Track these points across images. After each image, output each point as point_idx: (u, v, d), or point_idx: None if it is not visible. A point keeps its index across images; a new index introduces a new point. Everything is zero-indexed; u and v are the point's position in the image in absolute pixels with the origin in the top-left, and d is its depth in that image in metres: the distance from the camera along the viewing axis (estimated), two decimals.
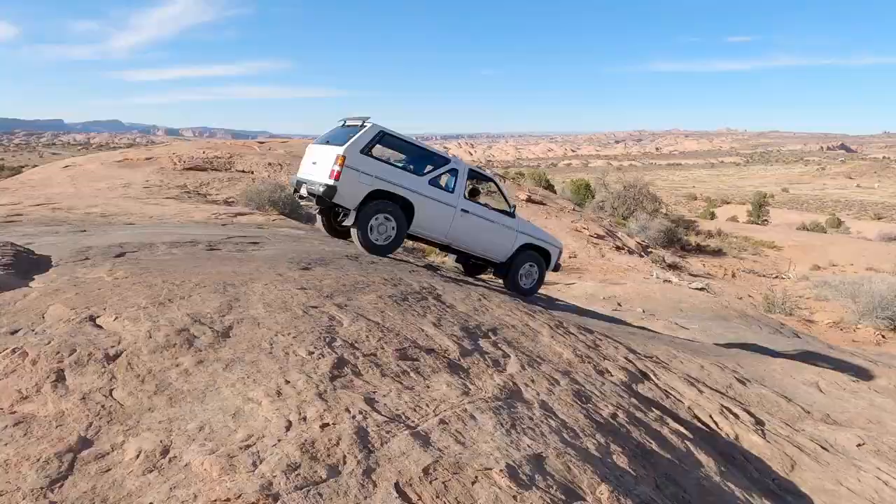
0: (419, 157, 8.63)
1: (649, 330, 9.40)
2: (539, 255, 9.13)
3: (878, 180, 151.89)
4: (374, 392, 2.58)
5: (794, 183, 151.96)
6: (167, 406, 2.08)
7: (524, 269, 8.98)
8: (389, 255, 7.81)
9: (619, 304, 15.93)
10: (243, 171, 23.43)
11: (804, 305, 23.45)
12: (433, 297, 5.11)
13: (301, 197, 7.79)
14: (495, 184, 8.97)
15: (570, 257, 23.05)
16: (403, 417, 2.37)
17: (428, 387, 2.85)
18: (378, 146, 7.91)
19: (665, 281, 20.61)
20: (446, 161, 8.38)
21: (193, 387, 2.23)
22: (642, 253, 27.00)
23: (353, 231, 7.47)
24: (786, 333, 15.04)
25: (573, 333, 5.52)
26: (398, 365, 3.04)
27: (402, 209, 7.66)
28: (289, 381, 2.44)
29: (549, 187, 43.86)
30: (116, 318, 2.78)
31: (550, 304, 9.59)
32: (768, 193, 78.58)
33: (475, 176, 8.73)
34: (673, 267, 25.46)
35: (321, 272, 4.93)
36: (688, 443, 3.57)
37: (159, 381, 2.25)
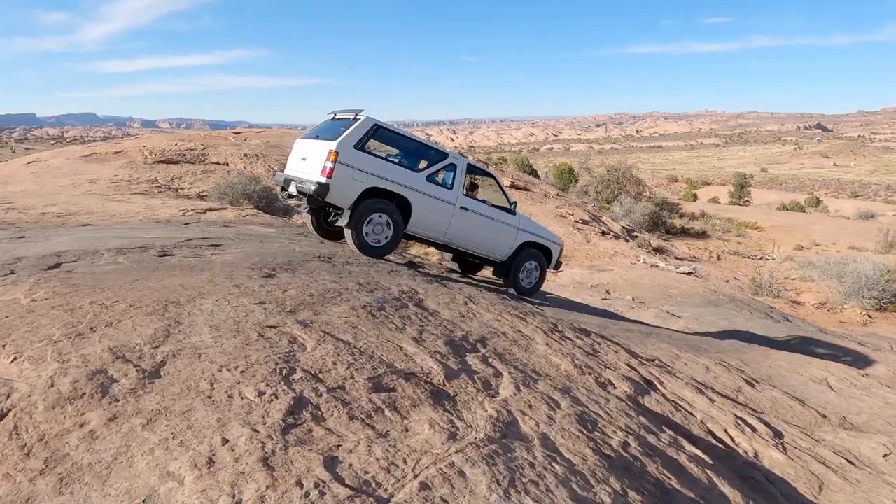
0: (415, 152, 8.08)
1: (644, 324, 8.98)
2: (540, 253, 8.66)
3: (854, 159, 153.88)
4: (337, 446, 2.06)
5: (773, 163, 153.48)
6: (53, 494, 1.54)
7: (525, 268, 8.49)
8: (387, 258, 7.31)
9: (608, 292, 15.56)
10: (218, 163, 22.60)
11: (790, 287, 23.34)
12: (414, 303, 4.58)
13: (290, 196, 7.24)
14: (495, 180, 8.45)
15: None
16: (374, 485, 1.85)
17: (406, 430, 2.34)
18: (372, 140, 7.38)
19: (652, 266, 20.30)
20: (444, 156, 7.86)
21: (97, 458, 1.70)
22: (628, 237, 26.69)
23: (348, 232, 6.97)
24: (776, 318, 14.77)
25: (569, 338, 5.04)
26: (371, 401, 2.52)
27: (399, 208, 7.19)
28: (227, 441, 1.91)
29: (533, 172, 43.39)
30: (15, 358, 2.22)
31: (540, 297, 9.12)
32: (748, 174, 78.92)
33: (474, 171, 8.18)
34: (659, 251, 25.19)
35: (286, 280, 4.38)
36: (708, 472, 3.11)
37: (52, 451, 1.71)
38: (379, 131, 7.25)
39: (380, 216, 6.97)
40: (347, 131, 6.89)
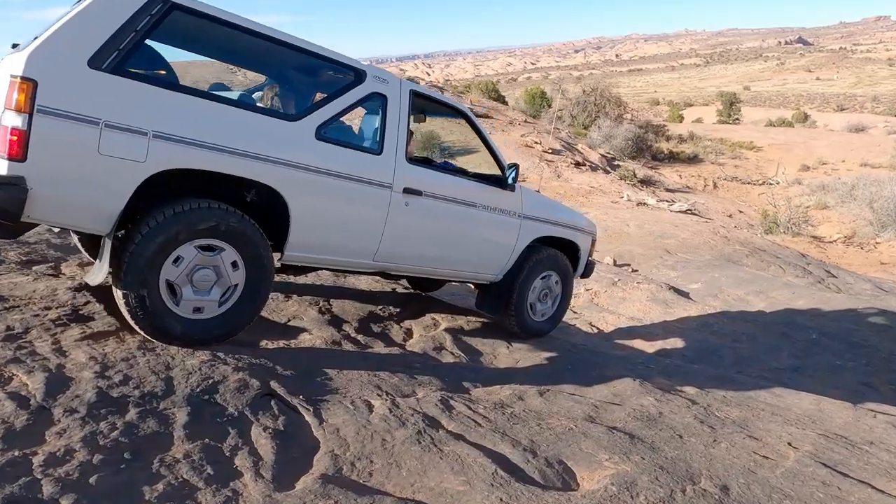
0: (283, 73, 3.87)
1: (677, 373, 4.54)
2: (561, 255, 4.57)
3: (837, 71, 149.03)
4: None
5: (755, 80, 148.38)
6: None
7: (536, 288, 4.38)
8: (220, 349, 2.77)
9: None
10: None
11: (808, 219, 18.98)
12: None
13: None
14: (469, 121, 4.08)
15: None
16: None
17: None
18: (159, 44, 3.11)
19: (639, 204, 15.88)
20: (355, 77, 3.46)
21: None
22: (608, 168, 22.15)
23: (118, 295, 2.67)
24: (816, 272, 10.45)
25: None
26: None
27: (256, 215, 3.03)
28: None
29: (499, 99, 38.21)
30: None
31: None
32: (732, 93, 73.75)
33: (425, 108, 4.21)
34: (646, 182, 20.73)
35: None
36: None
37: None
38: (178, 15, 2.79)
39: (203, 253, 2.78)
40: (66, 19, 2.55)
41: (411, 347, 3.51)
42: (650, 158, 27.23)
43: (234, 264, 2.83)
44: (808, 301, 7.45)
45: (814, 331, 6.22)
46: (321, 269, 3.73)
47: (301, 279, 4.38)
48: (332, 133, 3.34)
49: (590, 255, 4.93)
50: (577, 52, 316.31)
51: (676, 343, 5.74)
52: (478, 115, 26.78)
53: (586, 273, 4.97)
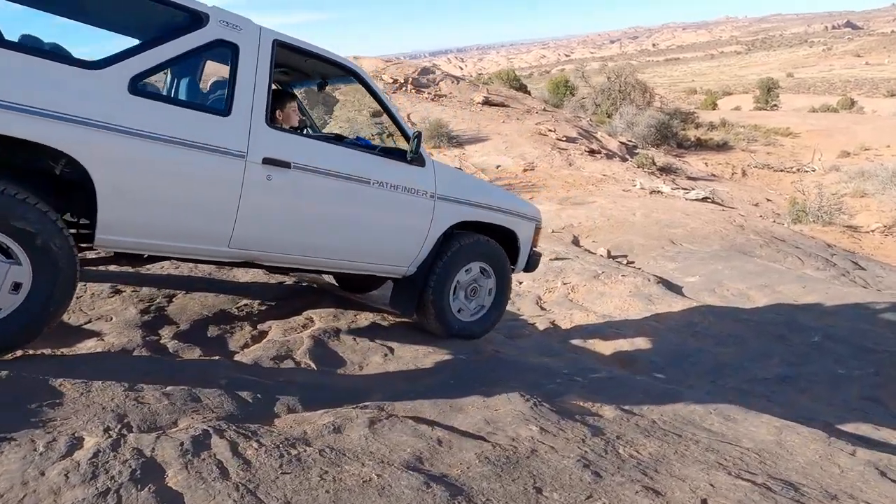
0: (98, 13, 3.19)
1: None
2: (494, 245, 3.75)
3: (889, 56, 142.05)
4: None
5: (799, 67, 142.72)
6: None
7: (462, 284, 3.66)
8: None
9: (576, 238, 10.24)
10: None
11: (841, 206, 17.50)
12: None
13: None
14: (362, 80, 3.35)
15: (524, 171, 17.13)
16: None
17: None
18: None
19: (653, 192, 14.78)
20: (191, 19, 2.73)
21: None
22: (627, 156, 20.96)
23: None
24: (841, 264, 9.32)
25: None
26: None
27: (69, 192, 2.56)
28: None
29: (521, 88, 37.08)
30: None
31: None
32: (770, 78, 70.53)
33: (301, 64, 3.58)
34: (666, 170, 19.49)
35: None
36: None
37: None
38: None
39: None
40: None
41: (242, 357, 2.77)
42: (675, 146, 25.83)
43: (8, 254, 2.22)
44: (819, 296, 6.41)
45: (818, 332, 5.23)
46: (165, 257, 3.02)
47: (169, 268, 3.67)
48: (155, 87, 2.64)
49: (534, 245, 4.10)
50: (612, 42, 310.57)
51: (644, 345, 4.85)
52: (493, 104, 25.91)
53: (530, 267, 4.13)
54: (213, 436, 1.94)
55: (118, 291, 3.16)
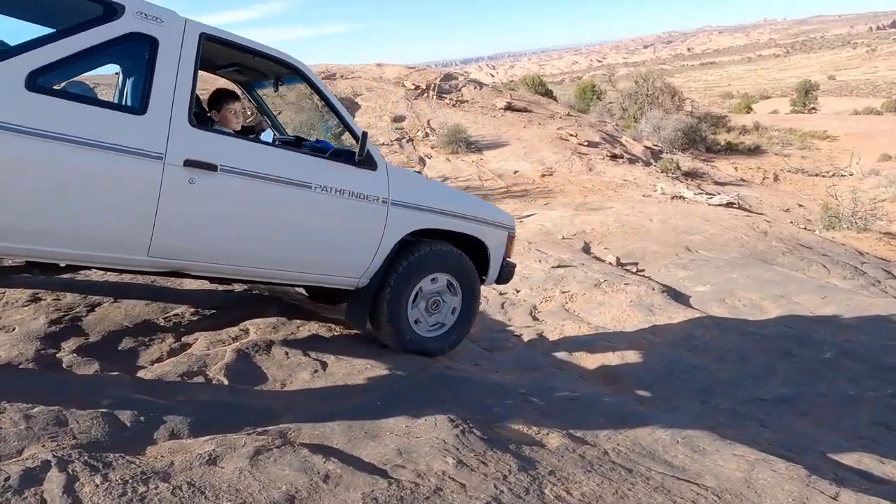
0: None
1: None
2: (458, 255, 3.43)
3: None
4: None
5: (842, 69, 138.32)
6: None
7: (422, 297, 3.36)
8: None
9: (587, 245, 9.84)
10: None
11: (879, 213, 16.59)
12: None
13: None
14: (305, 77, 3.10)
15: (542, 176, 16.74)
16: None
17: None
18: None
19: (674, 197, 14.21)
20: (103, 11, 2.50)
21: None
22: (651, 160, 20.35)
23: None
24: (872, 274, 8.72)
25: None
26: None
27: None
28: None
29: (547, 94, 36.62)
30: None
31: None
32: (808, 80, 68.25)
33: (236, 58, 3.32)
34: (692, 175, 18.83)
35: None
36: None
37: None
38: None
39: None
40: None
41: (147, 373, 2.52)
42: (704, 150, 25.04)
43: None
44: (838, 308, 5.90)
45: (831, 347, 4.75)
46: (83, 266, 2.81)
47: (110, 275, 3.47)
48: (57, 83, 2.44)
49: (507, 255, 3.77)
50: (645, 47, 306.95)
51: (634, 360, 4.46)
52: (516, 110, 25.56)
53: (502, 279, 3.80)
54: (54, 468, 1.69)
55: (37, 299, 2.97)
